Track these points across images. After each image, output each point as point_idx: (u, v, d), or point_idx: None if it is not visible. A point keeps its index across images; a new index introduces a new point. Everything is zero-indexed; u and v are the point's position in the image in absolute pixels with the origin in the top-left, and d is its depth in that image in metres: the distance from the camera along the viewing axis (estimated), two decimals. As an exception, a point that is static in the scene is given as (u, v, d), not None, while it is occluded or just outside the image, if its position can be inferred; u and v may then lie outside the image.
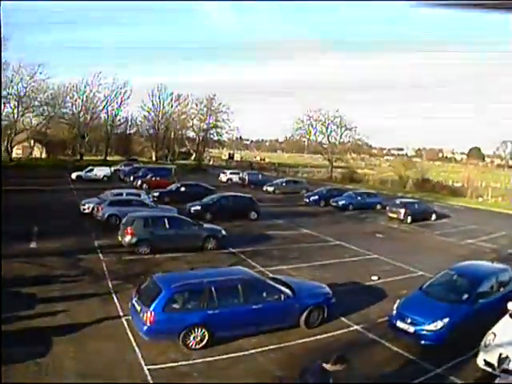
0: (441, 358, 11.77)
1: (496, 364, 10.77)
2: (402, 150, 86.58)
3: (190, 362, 11.08)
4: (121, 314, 13.55)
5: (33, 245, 20.42)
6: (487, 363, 11.04)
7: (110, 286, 16.15)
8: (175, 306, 11.86)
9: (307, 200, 41.24)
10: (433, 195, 49.18)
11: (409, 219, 34.06)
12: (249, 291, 12.54)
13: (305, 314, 13.09)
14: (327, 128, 66.82)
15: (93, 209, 27.58)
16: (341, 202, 38.89)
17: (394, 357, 12.06)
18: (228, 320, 11.92)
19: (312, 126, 66.97)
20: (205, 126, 69.33)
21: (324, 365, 7.70)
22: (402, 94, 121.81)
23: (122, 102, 70.69)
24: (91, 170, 48.59)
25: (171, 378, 10.12)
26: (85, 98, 68.61)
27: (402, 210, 35.01)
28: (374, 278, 18.48)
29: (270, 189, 47.83)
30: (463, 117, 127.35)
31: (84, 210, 28.74)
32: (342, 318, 14.22)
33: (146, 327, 11.38)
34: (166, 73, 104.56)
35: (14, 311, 12.45)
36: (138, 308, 11.94)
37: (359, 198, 40.56)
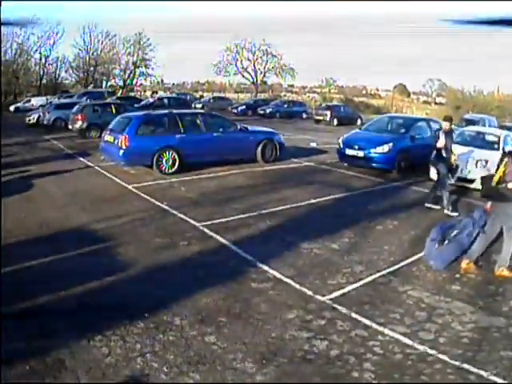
0: (394, 179, 13.37)
1: (449, 173, 12.17)
2: (323, 88, 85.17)
3: (168, 180, 12.25)
4: (92, 164, 14.51)
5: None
6: None
7: (72, 153, 17.06)
8: (146, 130, 13.15)
9: (235, 111, 41.69)
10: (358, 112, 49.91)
11: (335, 121, 34.95)
12: (208, 121, 14.29)
13: (260, 146, 14.69)
14: (254, 54, 67.34)
15: (38, 118, 27.57)
16: (268, 110, 39.37)
17: (350, 176, 13.64)
18: (194, 144, 13.22)
19: (238, 53, 67.12)
20: (134, 60, 67.93)
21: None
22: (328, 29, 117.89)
23: (54, 42, 67.83)
24: (28, 101, 47.81)
25: (154, 191, 11.04)
26: (20, 41, 65.39)
27: (328, 112, 36.16)
28: (313, 144, 20.14)
29: (199, 105, 47.94)
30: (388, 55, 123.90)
31: (29, 120, 28.47)
32: (294, 159, 15.86)
33: (121, 151, 12.40)
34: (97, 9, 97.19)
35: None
36: (112, 139, 13.00)
37: (286, 105, 41.69)
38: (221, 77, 74.82)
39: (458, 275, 6.72)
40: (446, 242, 6.92)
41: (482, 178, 7.00)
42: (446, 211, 9.97)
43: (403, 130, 14.91)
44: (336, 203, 10.52)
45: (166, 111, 14.71)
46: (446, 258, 6.88)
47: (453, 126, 11.19)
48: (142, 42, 68.97)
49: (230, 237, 7.80)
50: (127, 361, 4.33)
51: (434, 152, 10.38)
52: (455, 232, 7.02)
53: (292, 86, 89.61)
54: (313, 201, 10.39)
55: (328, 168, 14.63)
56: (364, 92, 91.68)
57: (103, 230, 8.01)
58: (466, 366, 4.45)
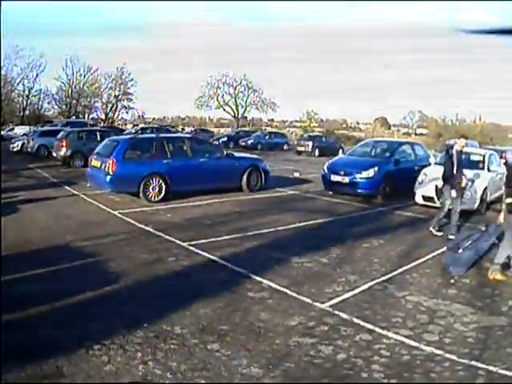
0: (378, 204, 13.39)
1: (435, 196, 12.17)
2: (304, 122, 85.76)
3: (154, 208, 12.04)
4: (77, 193, 14.26)
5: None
6: (426, 198, 12.49)
7: (56, 181, 16.84)
8: (133, 155, 13.01)
9: (217, 142, 41.68)
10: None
11: (316, 152, 34.65)
12: (195, 146, 14.27)
13: (246, 174, 14.55)
14: (235, 88, 68.30)
15: (22, 145, 27.63)
16: (249, 141, 39.19)
17: (334, 203, 13.61)
18: (181, 171, 13.08)
19: (220, 87, 68.04)
20: (116, 93, 68.51)
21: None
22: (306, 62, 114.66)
23: (37, 75, 68.27)
24: (12, 129, 48.24)
25: (139, 216, 10.89)
26: (3, 73, 65.47)
27: (310, 143, 36.13)
28: (296, 174, 20.11)
29: (181, 137, 48.21)
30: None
31: (13, 148, 28.51)
32: (279, 188, 15.80)
33: (109, 177, 12.21)
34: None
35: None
36: (98, 164, 12.81)
37: (267, 137, 41.73)
38: (201, 111, 75.46)
39: (452, 280, 6.81)
40: (461, 250, 7.24)
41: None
42: (431, 228, 9.85)
43: (388, 154, 15.02)
44: (321, 226, 10.51)
45: (154, 135, 14.70)
46: (465, 263, 7.11)
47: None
48: (123, 77, 69.64)
49: (217, 253, 7.77)
50: (128, 368, 4.20)
51: (444, 174, 9.95)
52: (469, 242, 7.34)
53: (272, 120, 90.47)
54: (298, 224, 10.37)
55: (313, 196, 14.61)
56: (344, 125, 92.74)
57: (90, 248, 7.91)
58: (474, 363, 4.43)
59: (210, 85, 68.13)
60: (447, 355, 4.57)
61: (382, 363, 4.42)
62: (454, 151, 9.67)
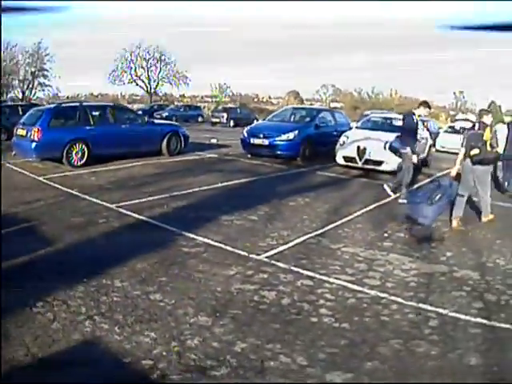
0: (298, 165, 13.41)
1: (356, 156, 12.35)
2: (216, 97, 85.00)
3: (77, 172, 11.60)
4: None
5: None
6: (347, 158, 12.61)
7: None
8: (57, 123, 12.77)
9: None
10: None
11: (231, 123, 34.62)
12: (118, 114, 14.40)
13: (165, 139, 14.48)
14: (147, 62, 66.18)
15: None
16: (164, 114, 38.20)
17: (255, 165, 13.49)
18: (103, 136, 12.88)
19: (133, 61, 65.62)
20: (32, 70, 64.52)
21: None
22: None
23: None
24: None
25: (64, 181, 10.43)
26: None
27: (225, 115, 36.14)
28: (213, 140, 19.80)
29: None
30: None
31: None
32: (198, 152, 15.55)
33: (34, 144, 11.96)
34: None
35: None
36: (24, 132, 12.51)
37: (182, 110, 40.99)
38: (114, 87, 72.30)
39: (386, 234, 6.89)
40: (430, 202, 7.09)
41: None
42: (386, 186, 9.68)
43: (308, 119, 15.18)
44: (245, 186, 10.48)
45: (77, 104, 14.22)
46: (432, 215, 7.04)
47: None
48: (40, 52, 65.99)
49: (146, 214, 7.56)
50: (75, 325, 3.94)
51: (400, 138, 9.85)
52: (439, 195, 7.20)
53: (183, 95, 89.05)
54: (222, 184, 10.29)
55: (232, 159, 14.51)
56: (256, 100, 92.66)
57: (22, 213, 7.51)
58: (422, 305, 4.47)
59: (124, 58, 65.63)
60: (392, 297, 4.61)
61: (329, 307, 4.39)
62: (416, 118, 9.49)
